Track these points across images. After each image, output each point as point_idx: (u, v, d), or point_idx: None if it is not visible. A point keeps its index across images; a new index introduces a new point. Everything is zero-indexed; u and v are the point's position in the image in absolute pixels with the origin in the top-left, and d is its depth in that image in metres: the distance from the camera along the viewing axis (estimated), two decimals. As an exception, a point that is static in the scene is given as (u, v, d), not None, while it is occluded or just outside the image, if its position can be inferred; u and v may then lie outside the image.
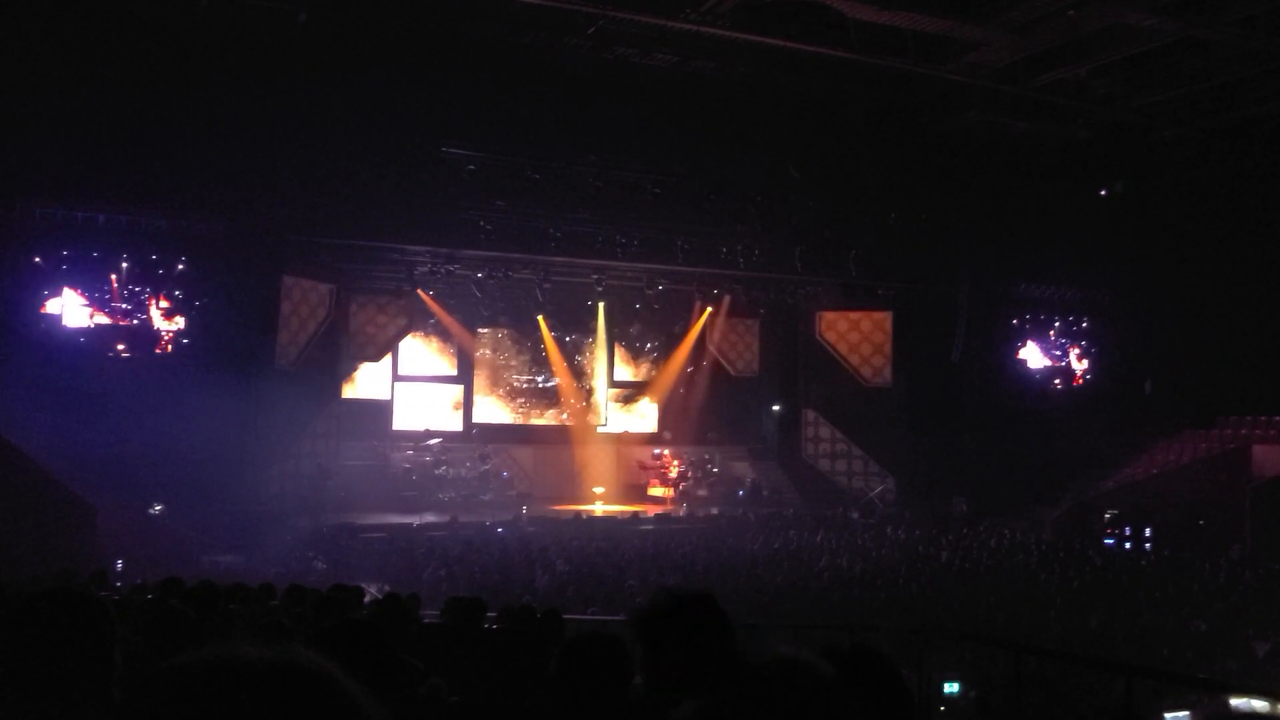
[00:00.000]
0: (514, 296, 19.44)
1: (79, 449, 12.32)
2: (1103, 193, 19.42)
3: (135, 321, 14.43)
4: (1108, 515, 16.32)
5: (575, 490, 19.55)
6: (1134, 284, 19.81)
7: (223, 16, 13.01)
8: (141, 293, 14.53)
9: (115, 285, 14.33)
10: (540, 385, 21.00)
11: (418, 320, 19.47)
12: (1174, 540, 15.02)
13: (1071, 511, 16.95)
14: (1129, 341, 20.41)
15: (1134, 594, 10.92)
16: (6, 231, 13.45)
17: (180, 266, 14.72)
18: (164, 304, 14.62)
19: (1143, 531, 15.82)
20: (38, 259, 13.86)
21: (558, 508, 17.76)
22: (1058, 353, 20.82)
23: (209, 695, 0.73)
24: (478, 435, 19.94)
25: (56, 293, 14.01)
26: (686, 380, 22.00)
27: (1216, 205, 17.82)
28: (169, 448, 12.87)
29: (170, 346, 14.62)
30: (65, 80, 12.24)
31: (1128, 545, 15.68)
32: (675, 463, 19.87)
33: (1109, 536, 15.90)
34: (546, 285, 19.07)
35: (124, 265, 14.43)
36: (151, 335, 14.52)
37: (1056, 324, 20.94)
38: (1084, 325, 21.16)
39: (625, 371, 21.90)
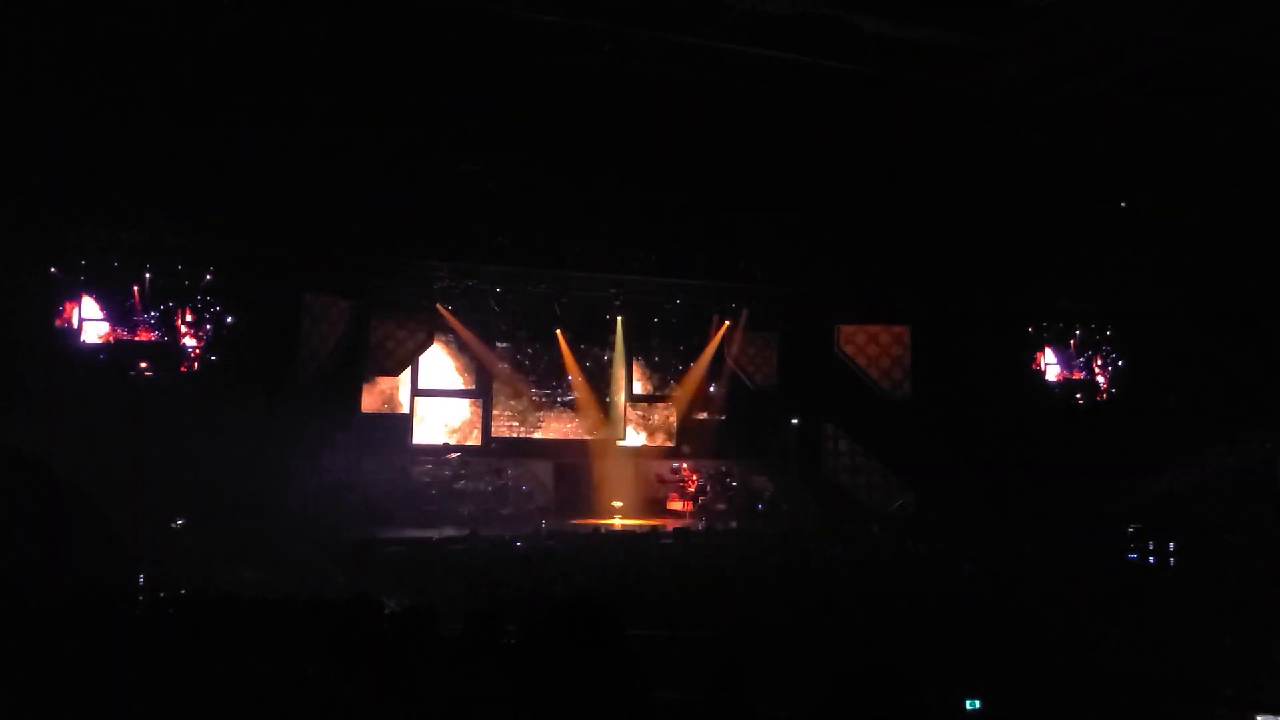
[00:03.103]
0: (532, 311, 19.53)
1: (100, 462, 12.40)
2: (1123, 205, 19.32)
3: (159, 337, 14.33)
4: (1131, 529, 16.18)
5: (594, 504, 19.55)
6: (1157, 296, 19.68)
7: (241, 32, 13.10)
8: (167, 307, 14.42)
9: (138, 298, 14.25)
10: (559, 399, 21.03)
11: (437, 335, 19.60)
12: (1199, 554, 14.86)
13: (1094, 525, 16.81)
14: (1152, 354, 20.26)
15: (1158, 608, 10.81)
16: (22, 249, 13.41)
17: (209, 277, 14.60)
18: (189, 318, 14.52)
19: (1167, 545, 15.66)
20: (53, 269, 13.77)
21: (577, 521, 17.76)
22: (1079, 364, 20.69)
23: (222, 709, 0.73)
24: (496, 449, 20.00)
25: (75, 299, 13.91)
26: (705, 394, 22.02)
27: (1237, 214, 17.69)
28: (190, 462, 12.95)
29: (197, 364, 14.49)
30: (81, 97, 12.33)
31: (1151, 559, 15.52)
32: (694, 476, 19.85)
33: (1132, 551, 15.75)
34: (564, 300, 19.16)
35: (147, 277, 14.33)
36: (177, 352, 14.43)
37: (1078, 334, 20.81)
38: (1106, 337, 21.02)
39: (644, 385, 21.92)
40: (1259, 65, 14.73)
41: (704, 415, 22.16)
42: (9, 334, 12.95)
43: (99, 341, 14.07)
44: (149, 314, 14.29)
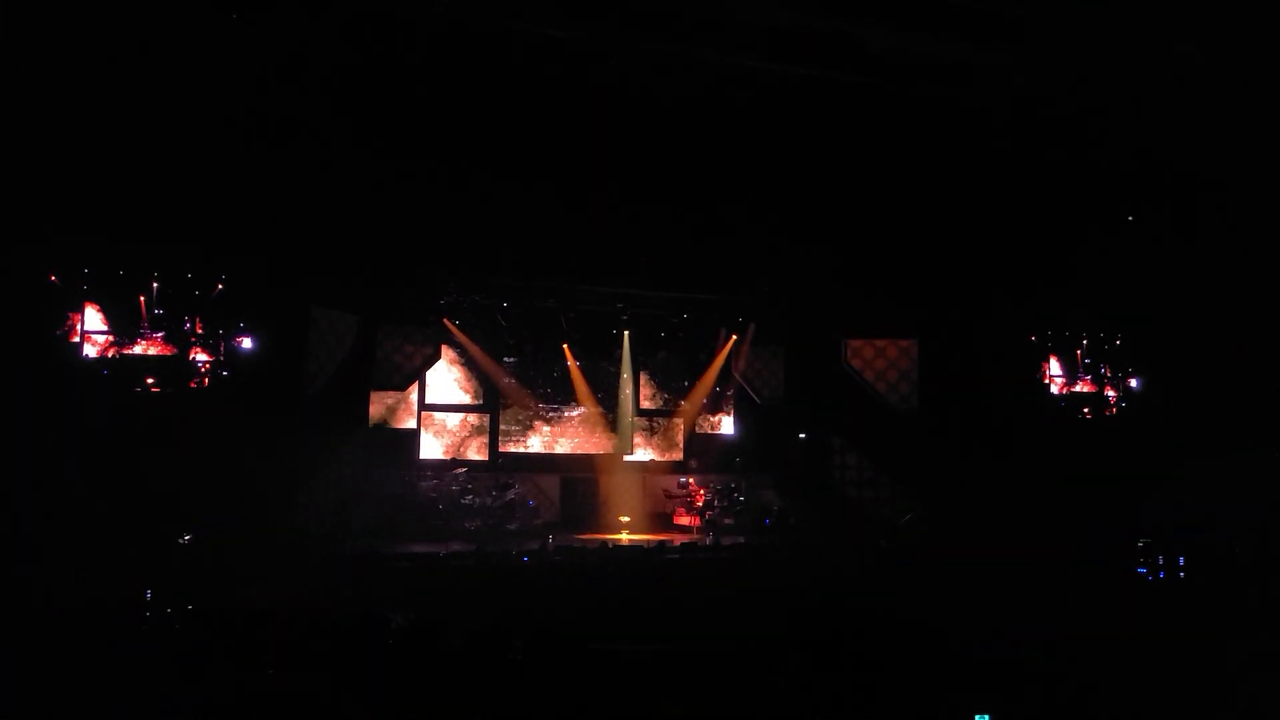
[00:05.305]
0: (539, 325, 19.59)
1: (105, 477, 12.43)
2: (1130, 219, 19.29)
3: (167, 351, 14.11)
4: (1140, 543, 16.10)
5: (601, 519, 19.57)
6: (1166, 309, 19.61)
7: (247, 44, 13.11)
8: (175, 318, 14.14)
9: (144, 309, 14.06)
10: (566, 414, 21.06)
11: (444, 350, 19.67)
12: (1210, 568, 14.79)
13: (1103, 539, 16.73)
14: (1162, 366, 20.19)
15: (1168, 623, 10.76)
16: (22, 260, 13.20)
17: (220, 286, 14.40)
18: (199, 332, 14.28)
19: (1177, 560, 15.58)
20: (54, 278, 13.50)
21: (584, 536, 17.75)
22: (1088, 377, 20.62)
23: None
24: (503, 464, 20.03)
25: (77, 310, 13.69)
26: (712, 408, 22.08)
27: (1245, 222, 17.63)
28: (197, 477, 12.95)
29: (208, 380, 14.28)
30: (84, 105, 12.33)
31: (1161, 574, 15.44)
32: (701, 491, 19.84)
33: (1141, 565, 15.67)
34: (571, 314, 19.20)
35: (155, 286, 14.07)
36: (185, 367, 14.20)
37: (1085, 344, 20.75)
38: (1115, 350, 20.94)
39: (651, 399, 21.93)
40: (1272, 82, 14.73)
41: (711, 430, 22.22)
42: (9, 346, 12.87)
43: (102, 355, 13.82)
44: (156, 326, 14.06)
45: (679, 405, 21.90)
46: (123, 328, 13.90)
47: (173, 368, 14.10)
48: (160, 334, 13.99)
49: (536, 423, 20.91)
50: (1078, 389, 20.37)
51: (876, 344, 20.67)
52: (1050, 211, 18.22)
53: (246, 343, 14.52)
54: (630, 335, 20.53)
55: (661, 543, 16.43)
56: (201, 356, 14.27)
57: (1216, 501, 16.81)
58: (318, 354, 16.50)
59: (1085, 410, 20.55)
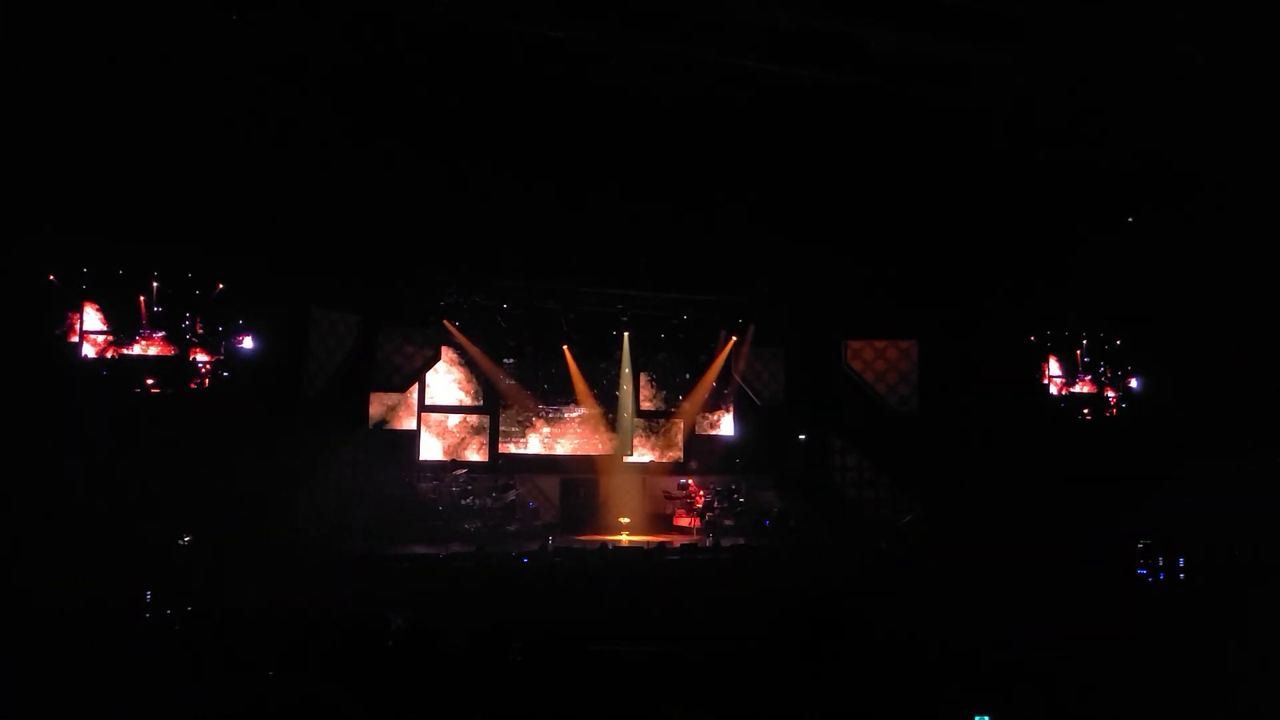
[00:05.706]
0: (539, 326, 19.58)
1: (105, 478, 12.41)
2: (1130, 220, 19.28)
3: (167, 350, 14.03)
4: (1140, 545, 16.09)
5: (601, 520, 19.57)
6: (1166, 309, 19.60)
7: (247, 46, 13.10)
8: (175, 318, 14.08)
9: (144, 309, 14.00)
10: (565, 415, 21.05)
11: (444, 351, 19.67)
12: (1209, 571, 14.78)
13: (1103, 540, 16.72)
14: (1162, 367, 20.18)
15: (1168, 625, 10.75)
16: (22, 260, 13.07)
17: (220, 286, 14.35)
18: (200, 332, 14.24)
19: (1176, 562, 15.57)
20: (52, 277, 13.41)
21: (583, 538, 17.75)
22: (1087, 377, 20.64)
23: None
24: (503, 465, 20.03)
25: (76, 310, 13.62)
26: (712, 409, 22.08)
27: (1245, 223, 17.63)
28: (197, 478, 12.95)
29: (208, 381, 14.23)
30: (84, 109, 12.31)
31: (1161, 576, 15.43)
32: (701, 492, 19.83)
33: (1141, 567, 15.66)
34: (571, 315, 19.19)
35: (154, 286, 14.01)
36: (185, 367, 14.16)
37: (1085, 344, 20.76)
38: (1115, 350, 20.95)
39: (651, 401, 21.93)
40: (1263, 78, 14.73)
41: (711, 431, 22.21)
42: (9, 346, 12.83)
43: (101, 355, 13.76)
44: (155, 326, 14.03)
45: (679, 406, 21.89)
46: (122, 327, 13.88)
47: (173, 368, 14.07)
48: (160, 334, 13.98)
49: (536, 423, 20.91)
50: (1077, 389, 20.35)
51: (876, 345, 20.68)
52: (1050, 212, 18.20)
53: (246, 343, 14.53)
54: (630, 336, 20.52)
55: (661, 544, 16.42)
56: (201, 357, 14.24)
57: (1217, 502, 16.80)
58: (318, 354, 16.50)
59: (1085, 411, 20.53)
